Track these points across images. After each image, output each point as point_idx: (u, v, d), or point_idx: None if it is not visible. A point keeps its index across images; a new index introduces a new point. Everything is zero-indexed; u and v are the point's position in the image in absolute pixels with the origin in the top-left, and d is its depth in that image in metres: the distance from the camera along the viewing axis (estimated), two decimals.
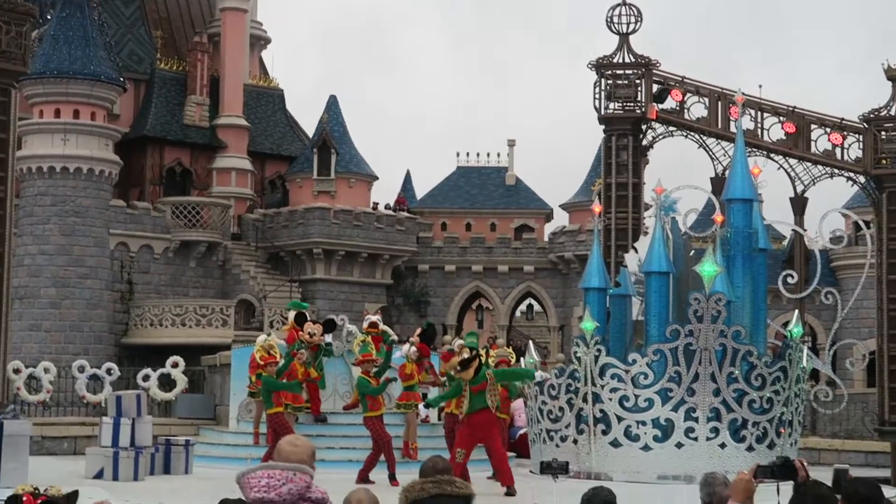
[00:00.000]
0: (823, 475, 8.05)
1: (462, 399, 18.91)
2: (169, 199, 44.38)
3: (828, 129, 27.07)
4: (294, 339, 23.05)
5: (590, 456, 20.76)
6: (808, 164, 27.66)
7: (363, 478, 18.99)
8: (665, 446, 20.36)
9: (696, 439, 20.30)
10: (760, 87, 27.97)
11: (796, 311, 23.44)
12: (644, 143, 28.82)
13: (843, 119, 26.96)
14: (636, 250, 24.26)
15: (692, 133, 28.22)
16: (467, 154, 50.72)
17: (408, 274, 47.65)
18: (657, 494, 19.30)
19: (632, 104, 28.41)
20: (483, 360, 19.06)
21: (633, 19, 28.92)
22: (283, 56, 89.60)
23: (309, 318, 24.08)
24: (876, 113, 26.27)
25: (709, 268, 20.37)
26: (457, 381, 18.93)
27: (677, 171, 31.02)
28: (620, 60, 28.63)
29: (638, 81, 28.33)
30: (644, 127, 28.68)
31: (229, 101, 47.08)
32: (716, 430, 20.32)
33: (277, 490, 5.71)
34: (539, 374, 20.94)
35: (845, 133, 26.81)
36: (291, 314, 24.38)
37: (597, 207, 25.80)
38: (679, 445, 20.33)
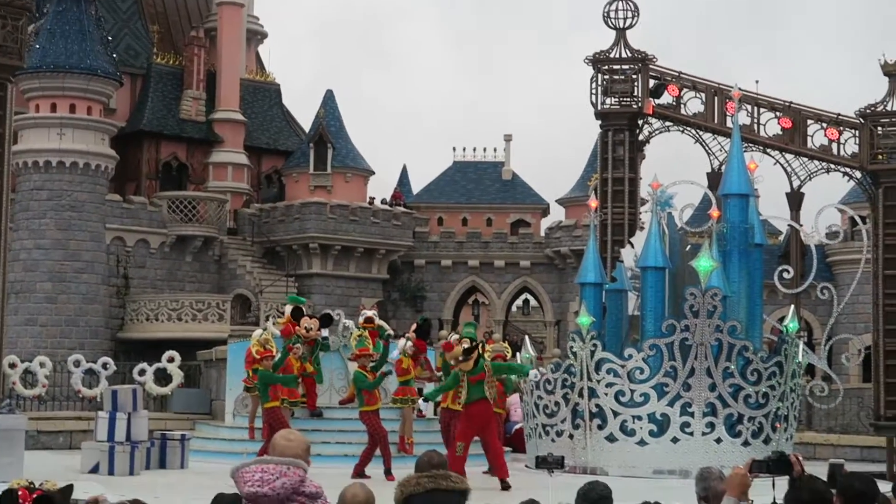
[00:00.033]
0: (819, 470, 8.05)
1: (458, 394, 18.94)
2: (165, 194, 44.33)
3: (824, 125, 27.08)
4: (290, 332, 23.06)
5: (585, 451, 20.79)
6: (805, 159, 27.66)
7: (359, 472, 19.00)
8: (661, 441, 20.39)
9: (691, 434, 20.33)
10: (757, 82, 27.93)
11: (792, 306, 23.48)
12: (640, 138, 28.82)
13: (839, 114, 26.96)
14: (632, 245, 24.28)
15: (689, 128, 28.23)
16: (464, 149, 50.71)
17: (404, 269, 47.63)
18: (653, 489, 19.31)
19: (628, 99, 28.40)
20: (480, 352, 19.11)
21: (630, 14, 28.90)
22: (280, 51, 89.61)
23: (306, 313, 24.08)
24: (872, 108, 26.29)
25: (705, 263, 20.40)
26: (454, 373, 18.95)
27: (674, 166, 31.07)
28: (617, 55, 28.62)
29: (634, 77, 28.32)
30: (640, 122, 28.68)
31: (226, 95, 47.02)
32: (711, 425, 20.35)
33: (271, 484, 5.71)
34: (533, 373, 20.87)
35: (842, 128, 26.82)
36: (288, 308, 24.39)
37: (593, 202, 25.82)
38: (675, 440, 20.37)
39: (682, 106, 28.16)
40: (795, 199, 28.13)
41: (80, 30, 40.50)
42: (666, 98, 28.19)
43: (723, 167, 25.66)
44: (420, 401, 21.88)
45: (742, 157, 23.17)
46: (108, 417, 20.60)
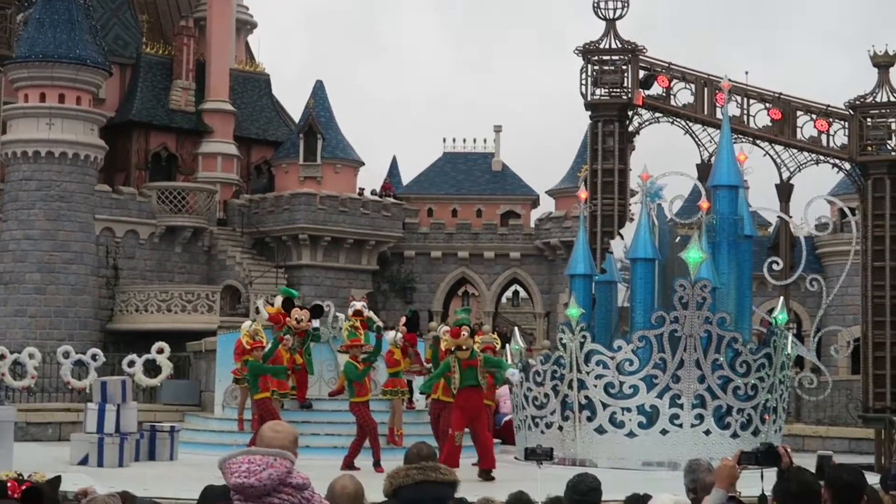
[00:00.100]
0: (807, 462, 8.06)
1: (449, 385, 18.98)
2: (154, 185, 44.26)
3: (814, 116, 27.07)
4: (279, 320, 23.05)
5: (575, 442, 20.80)
6: (794, 150, 27.66)
7: (348, 464, 19.00)
8: (650, 433, 20.41)
9: (680, 426, 20.35)
10: (747, 73, 27.91)
11: (781, 297, 23.50)
12: (630, 129, 28.78)
13: (828, 106, 26.97)
14: (622, 237, 24.28)
15: (678, 119, 28.20)
16: (454, 140, 50.73)
17: (394, 260, 47.63)
18: (642, 481, 19.31)
19: (618, 90, 28.35)
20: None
21: (619, 5, 28.84)
22: (270, 41, 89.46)
23: (296, 305, 24.06)
24: (862, 100, 26.31)
25: (694, 254, 20.41)
26: (446, 360, 19.05)
27: (663, 157, 30.98)
28: (607, 46, 28.58)
29: (624, 67, 28.27)
30: (630, 113, 28.64)
31: (215, 85, 46.94)
32: (700, 417, 20.37)
33: (258, 475, 5.69)
34: (511, 371, 20.67)
35: (831, 120, 26.83)
36: (278, 299, 24.38)
37: (583, 194, 25.80)
38: (664, 432, 20.38)
39: (672, 97, 28.13)
40: (785, 191, 28.14)
41: (69, 19, 40.39)
42: (656, 89, 28.15)
43: (712, 158, 25.65)
44: (417, 395, 21.86)
45: (731, 148, 23.17)
46: (98, 409, 20.57)
